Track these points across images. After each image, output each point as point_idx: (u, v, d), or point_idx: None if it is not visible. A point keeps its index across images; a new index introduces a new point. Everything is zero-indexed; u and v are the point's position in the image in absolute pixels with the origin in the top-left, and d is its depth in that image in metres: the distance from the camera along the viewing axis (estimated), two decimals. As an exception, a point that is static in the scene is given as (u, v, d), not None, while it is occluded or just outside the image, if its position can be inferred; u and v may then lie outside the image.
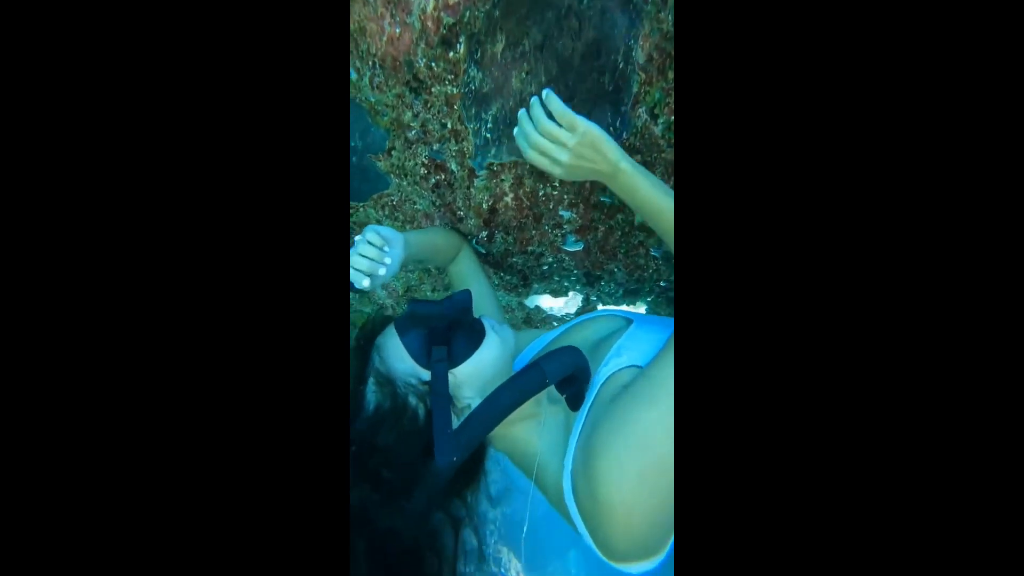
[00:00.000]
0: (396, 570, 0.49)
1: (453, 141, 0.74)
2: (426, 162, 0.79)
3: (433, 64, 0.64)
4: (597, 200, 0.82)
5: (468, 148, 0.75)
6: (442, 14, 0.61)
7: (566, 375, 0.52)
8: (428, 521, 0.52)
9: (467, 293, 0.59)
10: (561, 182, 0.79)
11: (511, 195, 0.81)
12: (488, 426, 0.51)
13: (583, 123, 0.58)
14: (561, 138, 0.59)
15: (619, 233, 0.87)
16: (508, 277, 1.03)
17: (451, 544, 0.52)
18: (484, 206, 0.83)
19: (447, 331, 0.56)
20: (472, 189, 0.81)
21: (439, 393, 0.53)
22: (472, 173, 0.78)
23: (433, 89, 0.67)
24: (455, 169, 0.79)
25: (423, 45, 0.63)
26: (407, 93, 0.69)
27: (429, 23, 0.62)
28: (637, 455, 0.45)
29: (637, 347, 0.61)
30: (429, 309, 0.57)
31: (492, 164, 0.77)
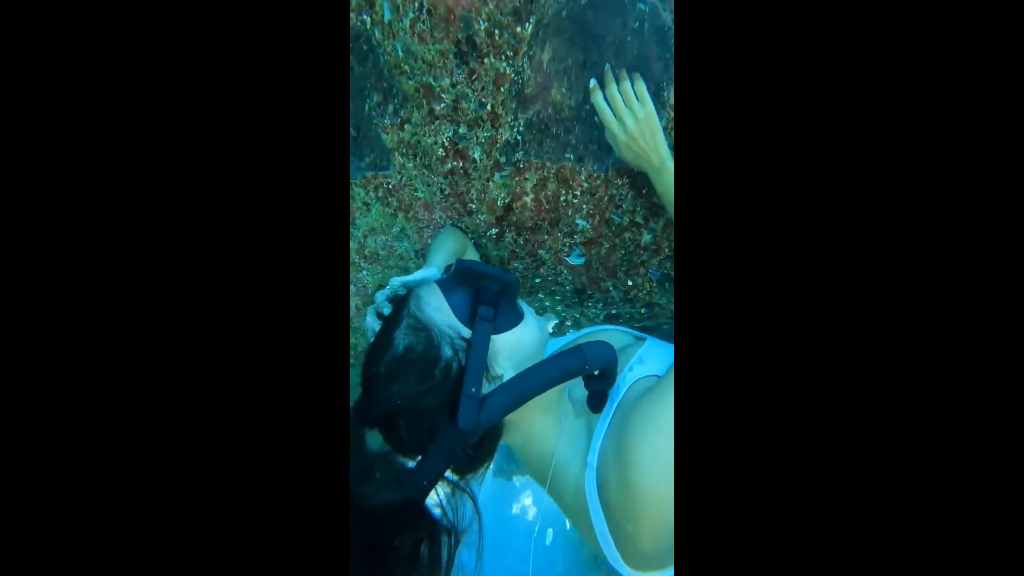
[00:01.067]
0: (381, 550, 0.43)
1: (489, 125, 0.67)
2: (446, 143, 0.70)
3: (496, 32, 0.58)
4: (609, 216, 0.81)
5: (501, 137, 0.68)
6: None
7: (603, 366, 0.51)
8: (427, 496, 0.47)
9: (514, 275, 0.57)
10: (582, 192, 0.77)
11: (531, 196, 0.76)
12: (522, 396, 0.48)
13: (652, 107, 0.62)
14: (634, 105, 0.62)
15: (623, 252, 0.86)
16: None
17: (445, 549, 0.47)
18: (500, 203, 0.76)
19: (495, 295, 0.52)
20: (491, 183, 0.74)
21: (477, 353, 0.48)
22: (497, 165, 0.71)
23: (486, 60, 0.61)
24: (479, 158, 0.71)
25: (491, 6, 0.56)
26: (451, 56, 0.61)
27: (507, -15, 0.56)
28: (672, 444, 0.45)
29: (657, 360, 0.62)
30: (484, 267, 0.53)
31: (519, 161, 0.72)
